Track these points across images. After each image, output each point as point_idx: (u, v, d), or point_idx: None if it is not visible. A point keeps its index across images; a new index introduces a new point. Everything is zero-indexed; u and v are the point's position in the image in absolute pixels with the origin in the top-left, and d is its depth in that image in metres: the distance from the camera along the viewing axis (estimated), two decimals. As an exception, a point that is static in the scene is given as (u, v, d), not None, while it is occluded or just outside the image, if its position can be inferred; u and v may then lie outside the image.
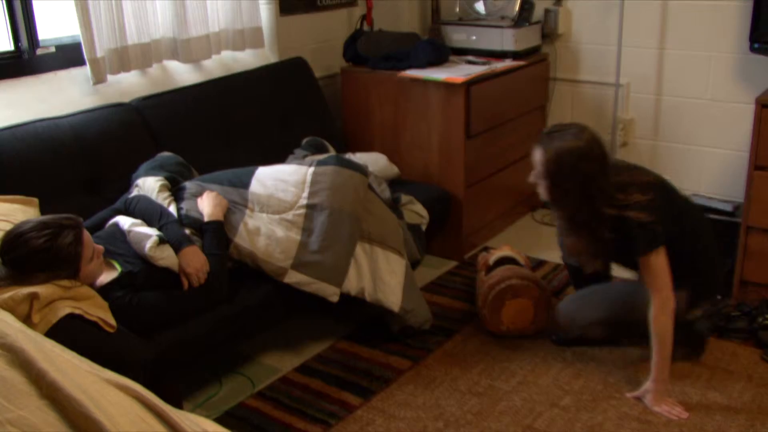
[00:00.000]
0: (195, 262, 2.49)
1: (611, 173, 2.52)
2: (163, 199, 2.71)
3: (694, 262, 2.67)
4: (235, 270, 2.69)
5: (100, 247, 2.33)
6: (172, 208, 2.69)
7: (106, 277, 2.37)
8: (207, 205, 2.71)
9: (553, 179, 2.52)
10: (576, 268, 2.88)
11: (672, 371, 2.65)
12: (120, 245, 2.47)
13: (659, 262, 2.54)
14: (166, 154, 2.99)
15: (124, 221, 2.54)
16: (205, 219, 2.67)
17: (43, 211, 2.48)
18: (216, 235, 2.64)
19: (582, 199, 2.50)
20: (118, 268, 2.40)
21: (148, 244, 2.42)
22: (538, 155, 2.53)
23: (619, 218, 2.50)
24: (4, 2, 2.82)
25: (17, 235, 2.16)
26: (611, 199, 2.49)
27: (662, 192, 2.62)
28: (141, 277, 2.41)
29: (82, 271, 2.22)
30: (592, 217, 2.51)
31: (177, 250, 2.50)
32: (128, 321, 2.28)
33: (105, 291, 2.31)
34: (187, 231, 2.61)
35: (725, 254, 3.35)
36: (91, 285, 2.29)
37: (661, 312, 2.54)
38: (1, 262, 2.15)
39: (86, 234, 2.26)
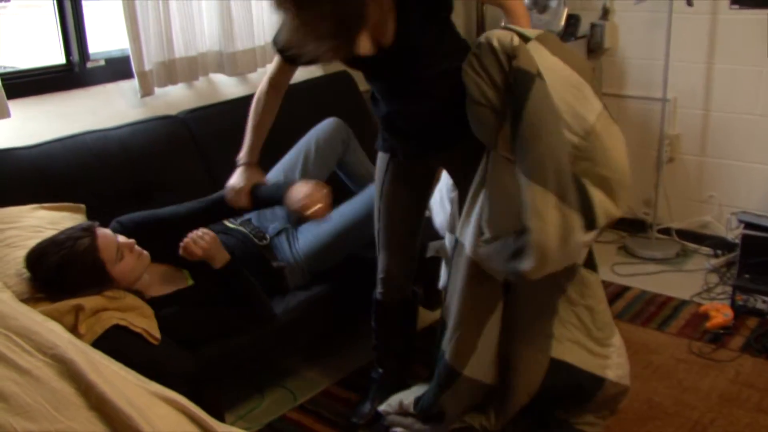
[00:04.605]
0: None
1: None
2: None
3: None
4: (276, 285, 2.68)
5: (130, 241, 2.27)
6: None
7: (169, 287, 2.37)
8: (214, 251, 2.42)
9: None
10: None
11: (719, 394, 2.58)
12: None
13: None
14: None
15: None
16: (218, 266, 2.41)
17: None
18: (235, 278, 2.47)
19: None
20: (189, 281, 2.39)
21: None
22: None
23: None
24: (57, 17, 2.88)
25: (39, 256, 2.15)
26: None
27: None
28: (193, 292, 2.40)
29: (113, 274, 2.20)
30: None
31: None
32: (171, 334, 2.26)
33: (160, 302, 2.31)
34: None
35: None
36: (140, 293, 2.29)
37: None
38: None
39: (103, 237, 2.20)
